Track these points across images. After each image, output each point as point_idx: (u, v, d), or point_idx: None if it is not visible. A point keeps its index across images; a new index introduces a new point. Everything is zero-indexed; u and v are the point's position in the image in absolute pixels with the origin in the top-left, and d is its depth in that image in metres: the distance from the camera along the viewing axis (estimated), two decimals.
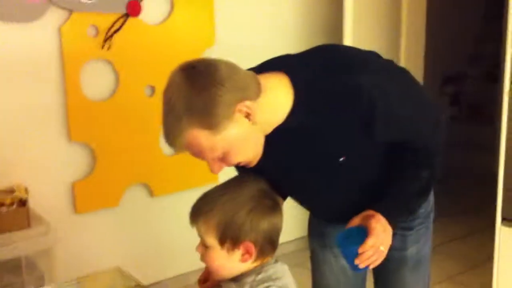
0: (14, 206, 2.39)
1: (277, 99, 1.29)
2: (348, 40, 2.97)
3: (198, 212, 1.27)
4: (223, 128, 1.21)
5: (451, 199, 4.36)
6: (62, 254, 2.54)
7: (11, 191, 2.45)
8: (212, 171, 1.28)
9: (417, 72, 3.66)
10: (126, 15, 2.70)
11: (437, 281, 3.03)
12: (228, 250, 1.26)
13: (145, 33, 2.81)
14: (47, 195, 2.65)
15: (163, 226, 3.05)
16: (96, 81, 2.74)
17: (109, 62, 2.75)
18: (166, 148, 2.91)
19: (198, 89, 1.20)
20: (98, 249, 2.83)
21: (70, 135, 2.68)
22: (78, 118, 2.69)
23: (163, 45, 2.87)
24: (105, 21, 2.66)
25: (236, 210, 1.25)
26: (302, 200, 1.56)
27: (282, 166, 1.37)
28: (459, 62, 5.92)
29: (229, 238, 1.25)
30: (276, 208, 1.29)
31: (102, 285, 1.99)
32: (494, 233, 2.59)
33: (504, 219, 2.56)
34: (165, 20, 2.88)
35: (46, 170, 2.67)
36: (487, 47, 5.89)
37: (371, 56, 1.44)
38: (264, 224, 1.26)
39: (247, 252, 1.26)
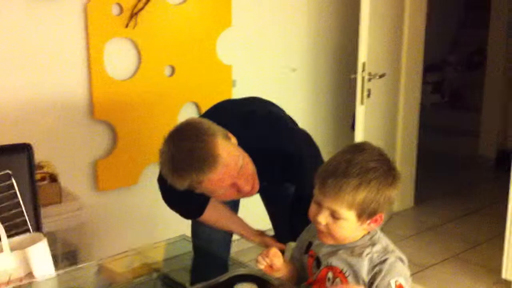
0: (46, 181, 2.39)
1: None
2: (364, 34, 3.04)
3: (341, 188, 1.29)
4: None
5: (437, 182, 4.55)
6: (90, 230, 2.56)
7: (39, 166, 2.44)
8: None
9: (418, 65, 3.80)
10: None
11: (443, 258, 3.19)
12: (362, 222, 1.34)
13: (166, 12, 2.83)
14: (70, 173, 2.65)
15: None
16: (118, 59, 2.75)
17: (132, 41, 2.76)
18: None
19: None
20: (118, 226, 2.86)
21: (93, 113, 2.69)
22: (101, 97, 2.70)
23: (183, 26, 2.90)
24: None
25: (380, 186, 1.30)
26: None
27: None
28: (440, 50, 6.10)
29: (368, 212, 1.32)
30: (398, 177, 1.35)
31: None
32: (493, 213, 2.74)
33: None
34: (185, 0, 2.91)
35: (70, 148, 2.67)
36: (467, 34, 6.09)
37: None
38: (392, 195, 1.34)
39: (376, 221, 1.35)
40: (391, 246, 1.37)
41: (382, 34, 3.33)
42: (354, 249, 1.36)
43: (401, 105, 3.78)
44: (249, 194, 1.67)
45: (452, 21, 6.25)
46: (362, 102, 3.09)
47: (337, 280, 1.37)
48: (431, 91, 5.94)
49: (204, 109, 3.02)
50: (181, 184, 1.56)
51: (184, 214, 1.94)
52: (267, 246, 1.78)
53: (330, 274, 1.39)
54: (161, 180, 1.87)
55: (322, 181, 1.32)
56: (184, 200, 1.82)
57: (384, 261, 1.33)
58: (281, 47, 3.38)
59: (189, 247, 1.86)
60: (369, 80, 3.11)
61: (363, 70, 3.06)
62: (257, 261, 1.44)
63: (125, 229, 2.89)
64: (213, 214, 1.91)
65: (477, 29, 5.47)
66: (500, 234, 3.21)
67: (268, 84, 3.32)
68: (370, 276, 1.33)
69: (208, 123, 1.59)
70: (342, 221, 1.32)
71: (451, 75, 6.12)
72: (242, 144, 1.64)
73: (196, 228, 2.03)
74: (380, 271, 1.32)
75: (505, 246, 2.80)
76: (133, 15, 2.69)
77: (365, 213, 1.32)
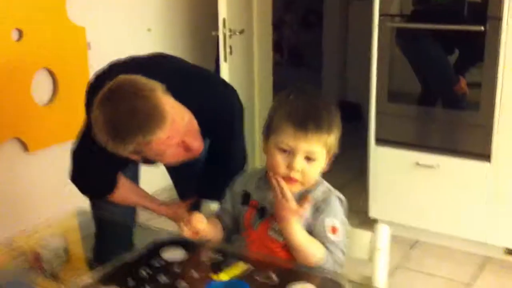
0: None
1: None
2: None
3: (321, 126, 1.29)
4: None
5: None
6: None
7: None
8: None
9: (268, 22, 3.81)
10: None
11: None
12: (327, 160, 1.34)
13: None
14: None
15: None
16: None
17: None
18: (39, 97, 2.73)
19: None
20: None
21: None
22: None
23: None
24: None
25: (339, 124, 1.34)
26: None
27: None
28: (276, 9, 6.25)
29: (332, 151, 1.33)
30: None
31: None
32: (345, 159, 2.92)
33: (377, 139, 2.89)
34: None
35: None
36: None
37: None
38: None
39: (330, 160, 1.35)
40: (332, 188, 1.39)
41: None
42: (301, 194, 1.35)
43: (256, 62, 3.81)
44: (197, 151, 1.54)
45: None
46: (225, 59, 3.06)
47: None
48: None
49: (59, 75, 2.78)
50: (125, 149, 1.40)
51: (95, 191, 1.74)
52: (178, 218, 1.68)
53: (274, 225, 1.35)
54: (78, 152, 1.69)
55: (300, 125, 1.28)
56: (100, 174, 1.65)
57: (325, 199, 1.35)
58: (135, 5, 3.20)
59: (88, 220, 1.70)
60: (230, 36, 3.08)
61: (224, 27, 3.01)
62: (180, 229, 1.35)
63: None
64: (122, 190, 1.74)
65: None
66: (356, 177, 3.48)
67: (124, 46, 3.08)
68: (312, 215, 1.33)
69: (142, 78, 1.42)
70: (316, 162, 1.31)
71: (288, 34, 6.32)
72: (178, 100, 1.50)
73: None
74: (319, 208, 1.34)
75: (369, 187, 2.99)
76: None
77: (331, 150, 1.33)
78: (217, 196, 1.52)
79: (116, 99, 1.38)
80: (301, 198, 1.32)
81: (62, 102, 2.81)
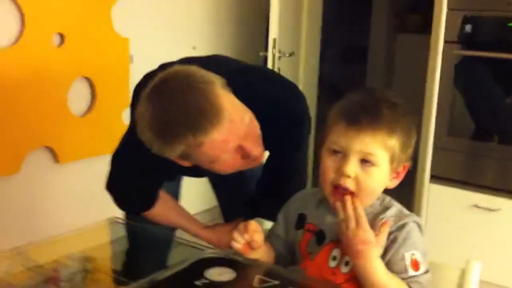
0: None
1: None
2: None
3: (379, 122, 1.07)
4: None
5: None
6: None
7: None
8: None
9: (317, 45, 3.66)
10: None
11: None
12: (391, 172, 1.11)
13: None
14: None
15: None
16: None
17: (14, 2, 2.30)
18: (75, 107, 2.59)
19: None
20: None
21: None
22: None
23: None
24: None
25: (411, 126, 1.12)
26: None
27: None
28: None
29: (398, 158, 1.10)
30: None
31: None
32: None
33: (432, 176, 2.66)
34: None
35: None
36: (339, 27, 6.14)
37: None
38: (414, 145, 1.16)
39: (398, 175, 1.13)
40: (406, 210, 1.15)
41: (290, 10, 3.15)
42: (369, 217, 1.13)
43: (301, 87, 3.64)
44: (257, 161, 1.31)
45: None
46: None
47: (347, 259, 1.11)
48: None
49: (98, 86, 2.64)
50: (173, 151, 1.20)
51: (132, 203, 1.52)
52: (223, 245, 1.46)
53: (335, 252, 1.12)
54: (118, 157, 1.49)
55: (351, 118, 1.07)
56: (140, 184, 1.46)
57: (401, 227, 1.10)
58: (181, 21, 3.08)
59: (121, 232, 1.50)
60: (279, 58, 2.92)
61: (274, 47, 2.86)
62: (232, 238, 1.14)
63: (4, 225, 2.40)
64: (161, 206, 1.52)
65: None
66: None
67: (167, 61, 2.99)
68: (385, 245, 1.09)
69: (200, 70, 1.23)
70: (375, 169, 1.08)
71: (328, 69, 6.15)
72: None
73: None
74: (395, 239, 1.09)
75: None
76: None
77: (395, 158, 1.10)
78: (274, 217, 1.31)
79: (166, 92, 1.18)
80: (370, 222, 1.10)
81: (99, 115, 2.67)
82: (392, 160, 1.09)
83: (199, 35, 3.21)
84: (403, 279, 1.08)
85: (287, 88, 1.48)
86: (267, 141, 1.33)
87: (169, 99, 1.17)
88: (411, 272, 1.08)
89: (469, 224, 2.59)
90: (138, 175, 1.44)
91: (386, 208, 1.13)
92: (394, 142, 1.08)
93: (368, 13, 5.00)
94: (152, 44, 2.90)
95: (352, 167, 1.07)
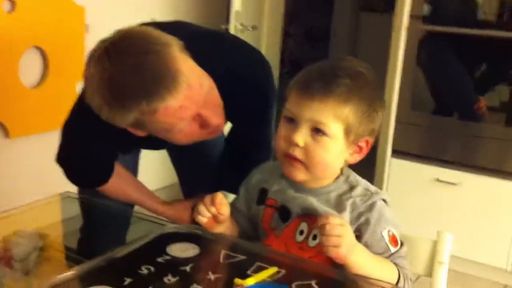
0: None
1: None
2: None
3: (331, 89, 1.00)
4: None
5: None
6: None
7: None
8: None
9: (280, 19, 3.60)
10: None
11: None
12: (348, 145, 1.04)
13: None
14: None
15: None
16: None
17: None
18: (26, 79, 2.46)
19: None
20: None
21: None
22: None
23: None
24: None
25: (373, 98, 1.03)
26: None
27: None
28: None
29: (356, 131, 1.03)
30: (384, 103, 1.10)
31: None
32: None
33: (394, 151, 2.65)
34: None
35: None
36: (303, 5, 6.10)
37: None
38: (380, 119, 1.06)
39: (361, 150, 1.06)
40: (372, 186, 1.10)
41: None
42: (329, 196, 1.07)
43: None
44: (217, 130, 1.23)
45: None
46: None
47: (315, 232, 1.05)
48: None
49: (51, 56, 2.51)
50: (124, 119, 1.10)
51: (85, 176, 1.41)
52: (182, 221, 1.39)
53: (303, 225, 1.07)
54: (68, 127, 1.36)
55: (304, 85, 1.01)
56: (93, 155, 1.35)
57: (371, 207, 1.05)
58: None
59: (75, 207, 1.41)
60: (242, 31, 2.85)
61: (236, 20, 2.78)
62: (197, 212, 1.08)
63: None
64: (117, 181, 1.41)
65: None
66: None
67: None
68: (355, 227, 1.04)
69: (156, 30, 1.12)
70: (327, 139, 1.02)
71: (291, 47, 6.11)
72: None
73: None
74: (368, 221, 1.04)
75: None
76: None
77: (352, 131, 1.02)
78: (236, 191, 1.24)
79: (117, 53, 1.07)
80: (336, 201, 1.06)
81: (52, 87, 2.54)
82: (347, 131, 1.02)
83: (158, 6, 3.09)
84: (386, 257, 1.04)
85: (251, 55, 1.38)
86: (229, 112, 1.25)
87: (120, 61, 1.07)
88: (392, 249, 1.05)
89: (431, 198, 2.60)
90: (90, 146, 1.34)
91: (351, 187, 1.08)
92: (347, 111, 1.01)
93: None
94: (109, 14, 2.78)
95: (302, 135, 1.01)
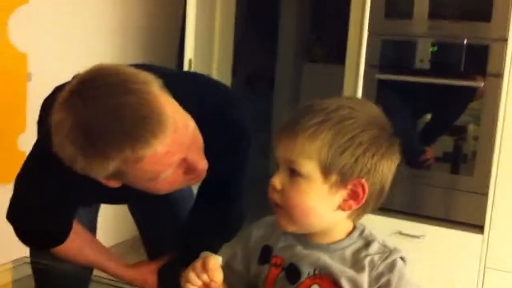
0: None
1: None
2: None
3: (301, 124, 0.89)
4: None
5: None
6: None
7: None
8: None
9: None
10: None
11: None
12: (331, 187, 0.90)
13: None
14: None
15: None
16: None
17: None
18: None
19: None
20: None
21: None
22: None
23: None
24: None
25: (357, 132, 0.89)
26: None
27: None
28: None
29: (338, 170, 0.89)
30: (397, 150, 0.95)
31: None
32: None
33: None
34: None
35: None
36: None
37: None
38: (386, 165, 0.92)
39: (355, 196, 0.91)
40: (388, 242, 0.97)
41: (203, 31, 3.01)
42: (343, 253, 0.95)
43: None
44: (201, 175, 1.09)
45: None
46: None
47: None
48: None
49: None
50: (103, 169, 0.95)
51: (39, 238, 1.24)
52: (147, 285, 1.25)
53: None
54: (22, 179, 1.19)
55: (281, 125, 0.93)
56: (50, 214, 1.19)
57: (391, 267, 0.92)
58: (88, 37, 2.83)
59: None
60: None
61: (189, 68, 2.70)
62: (186, 280, 0.93)
63: None
64: (74, 241, 1.25)
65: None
66: None
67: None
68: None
69: (130, 68, 0.99)
70: (301, 179, 0.89)
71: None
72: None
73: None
74: (389, 283, 0.92)
75: None
76: None
77: (332, 169, 0.89)
78: (213, 249, 1.09)
79: (92, 94, 0.94)
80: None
81: None
82: (325, 170, 0.89)
83: (106, 54, 2.96)
84: None
85: (227, 94, 1.30)
86: (206, 153, 1.12)
87: (96, 103, 0.93)
88: None
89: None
90: (47, 199, 1.17)
91: (367, 243, 0.96)
92: (318, 145, 0.89)
93: (275, 41, 4.98)
94: (53, 61, 2.62)
95: (279, 178, 0.91)
